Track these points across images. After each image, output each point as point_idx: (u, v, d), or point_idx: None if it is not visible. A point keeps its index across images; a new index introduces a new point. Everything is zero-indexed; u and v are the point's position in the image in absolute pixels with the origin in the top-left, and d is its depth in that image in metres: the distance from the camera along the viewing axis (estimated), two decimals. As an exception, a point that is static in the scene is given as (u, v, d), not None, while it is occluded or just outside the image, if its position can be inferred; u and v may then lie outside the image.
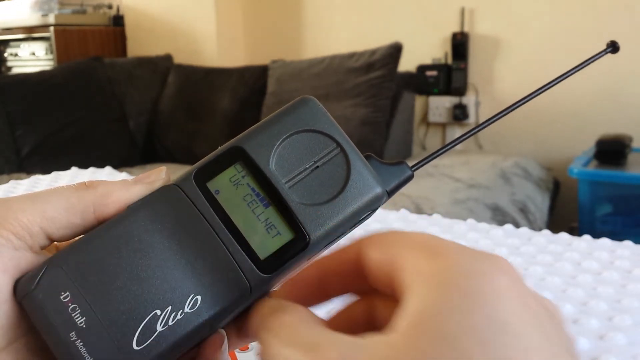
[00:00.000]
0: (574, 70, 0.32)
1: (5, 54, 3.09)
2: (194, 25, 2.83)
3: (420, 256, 0.22)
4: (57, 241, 0.29)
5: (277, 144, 0.29)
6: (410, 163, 0.31)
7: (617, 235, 0.87)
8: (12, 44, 3.07)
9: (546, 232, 0.78)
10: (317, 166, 0.29)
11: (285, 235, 0.28)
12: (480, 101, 2.40)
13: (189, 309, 0.27)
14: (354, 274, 0.25)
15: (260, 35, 2.88)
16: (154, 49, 2.88)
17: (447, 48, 2.40)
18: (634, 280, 0.62)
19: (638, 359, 0.48)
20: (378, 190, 0.29)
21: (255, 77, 2.49)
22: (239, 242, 0.28)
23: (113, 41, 3.06)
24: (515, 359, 0.19)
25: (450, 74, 2.39)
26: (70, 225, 0.28)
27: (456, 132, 2.46)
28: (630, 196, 1.90)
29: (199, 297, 0.27)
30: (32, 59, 2.99)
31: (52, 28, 2.87)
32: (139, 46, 3.01)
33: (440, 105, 2.44)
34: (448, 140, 1.51)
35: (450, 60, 2.40)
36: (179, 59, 2.79)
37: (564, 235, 0.76)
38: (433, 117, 2.47)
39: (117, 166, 1.78)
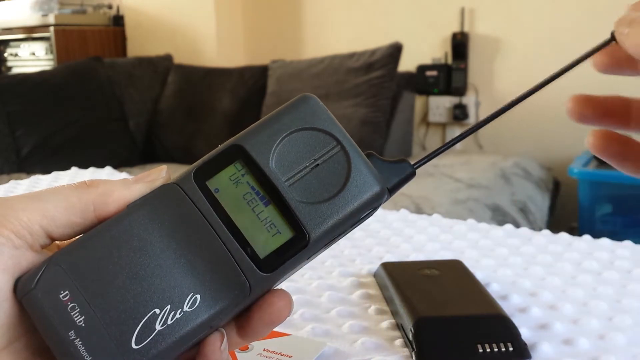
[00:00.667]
0: (577, 63, 0.31)
1: (5, 54, 3.08)
2: (194, 25, 2.82)
3: None
4: (57, 240, 0.29)
5: (277, 142, 0.28)
6: (411, 162, 0.30)
7: (617, 235, 0.87)
8: (12, 44, 3.07)
9: (546, 232, 0.77)
10: (318, 164, 0.29)
11: (285, 234, 0.28)
12: (480, 101, 2.40)
13: (188, 308, 0.27)
14: None
15: (260, 35, 2.88)
16: (154, 49, 2.87)
17: (447, 48, 2.40)
18: (634, 280, 0.62)
19: (638, 359, 0.48)
20: (379, 188, 0.29)
21: (255, 77, 2.48)
22: (239, 240, 0.27)
23: (113, 41, 3.06)
24: None
25: (450, 74, 2.39)
26: (70, 224, 0.28)
27: (456, 132, 2.46)
28: (630, 196, 1.90)
29: (198, 296, 0.27)
30: (32, 59, 2.99)
31: (52, 28, 2.87)
32: (139, 46, 3.01)
33: (440, 105, 2.44)
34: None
35: (450, 60, 2.40)
36: (179, 59, 2.79)
37: (564, 236, 0.76)
38: (433, 117, 2.47)
39: (117, 166, 1.78)
